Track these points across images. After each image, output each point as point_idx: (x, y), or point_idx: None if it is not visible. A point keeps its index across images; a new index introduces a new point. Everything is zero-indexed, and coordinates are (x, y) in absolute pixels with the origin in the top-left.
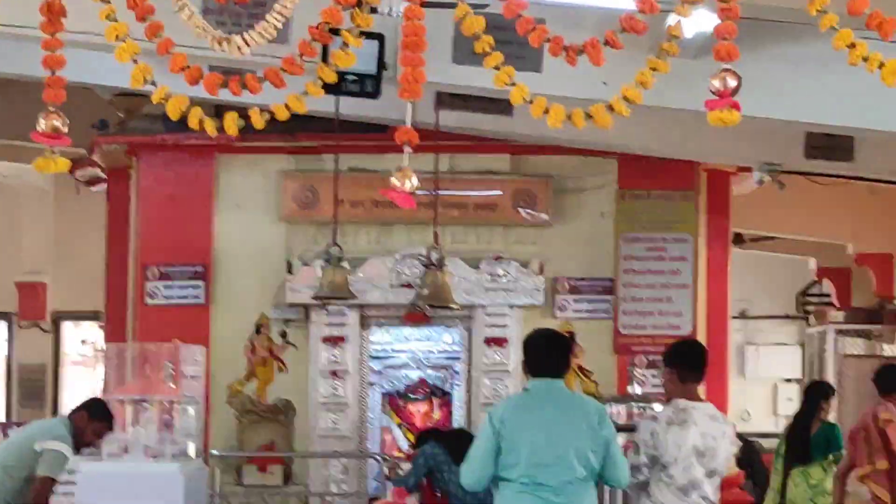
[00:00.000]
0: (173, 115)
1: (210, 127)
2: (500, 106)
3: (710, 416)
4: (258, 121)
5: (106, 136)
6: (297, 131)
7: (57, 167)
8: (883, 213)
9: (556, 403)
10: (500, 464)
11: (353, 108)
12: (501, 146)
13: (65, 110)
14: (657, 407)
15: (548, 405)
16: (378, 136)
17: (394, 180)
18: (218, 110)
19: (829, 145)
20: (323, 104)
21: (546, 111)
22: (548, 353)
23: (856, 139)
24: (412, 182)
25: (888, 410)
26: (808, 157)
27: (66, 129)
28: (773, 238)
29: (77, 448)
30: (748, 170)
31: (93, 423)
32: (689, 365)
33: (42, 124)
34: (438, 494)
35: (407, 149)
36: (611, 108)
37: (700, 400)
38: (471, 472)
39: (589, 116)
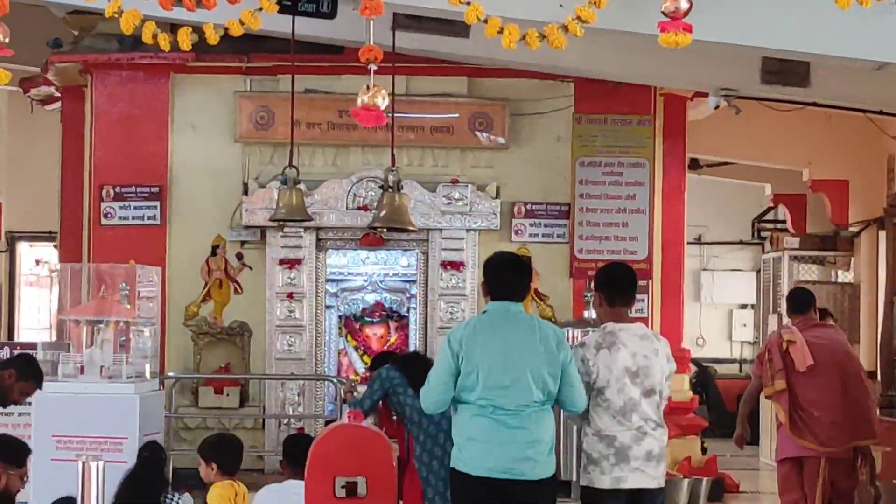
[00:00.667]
0: (126, 29)
1: (164, 42)
2: (456, 28)
3: (639, 336)
4: (212, 36)
5: (60, 55)
6: (253, 52)
7: None
8: (839, 139)
9: (515, 327)
10: (458, 386)
11: (309, 28)
12: (458, 69)
13: (18, 29)
14: (589, 335)
15: (507, 328)
16: (334, 57)
17: (363, 98)
18: (173, 29)
19: (785, 70)
20: (279, 24)
21: (500, 31)
22: (509, 277)
23: (812, 65)
24: (384, 99)
25: (791, 332)
26: (764, 83)
27: (6, 40)
28: (729, 164)
29: (2, 404)
30: (704, 95)
31: (20, 383)
32: (617, 288)
33: None
34: (394, 417)
35: (372, 66)
36: (565, 28)
37: (630, 322)
38: (429, 396)
39: (543, 37)
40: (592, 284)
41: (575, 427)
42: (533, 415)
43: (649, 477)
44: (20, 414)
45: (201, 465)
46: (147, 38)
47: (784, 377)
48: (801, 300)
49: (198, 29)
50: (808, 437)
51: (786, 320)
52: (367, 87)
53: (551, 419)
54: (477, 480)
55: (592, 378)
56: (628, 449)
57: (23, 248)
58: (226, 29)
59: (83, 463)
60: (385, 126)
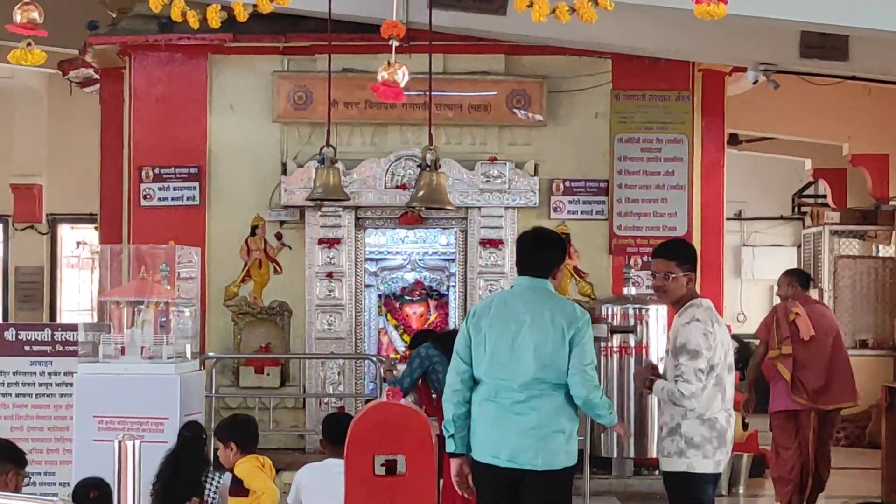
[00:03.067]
0: (155, 7)
1: (193, 19)
2: (493, 5)
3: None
4: (241, 13)
5: (98, 37)
6: (290, 32)
7: (33, 59)
8: (879, 113)
9: (531, 303)
10: (472, 360)
11: (346, 7)
12: (496, 46)
13: (56, 11)
14: (692, 311)
15: (520, 303)
16: (371, 36)
17: (382, 73)
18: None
19: (824, 45)
20: (316, 4)
21: (530, 5)
22: (529, 252)
23: (850, 38)
24: (403, 75)
25: (797, 306)
26: (803, 57)
27: (41, 21)
28: (768, 139)
29: None
30: (743, 70)
31: None
32: (696, 264)
33: (18, 16)
34: (434, 395)
35: (394, 42)
36: (595, 1)
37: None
38: (450, 371)
39: (573, 10)
40: (675, 260)
41: (615, 404)
42: (540, 400)
43: (728, 459)
44: (62, 395)
45: (220, 448)
46: (176, 16)
47: (790, 343)
48: (806, 280)
49: (227, 7)
50: (801, 394)
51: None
52: (388, 63)
53: (564, 405)
54: (484, 467)
55: (711, 353)
56: (726, 431)
57: (64, 230)
58: (255, 6)
59: (119, 442)
60: (423, 104)
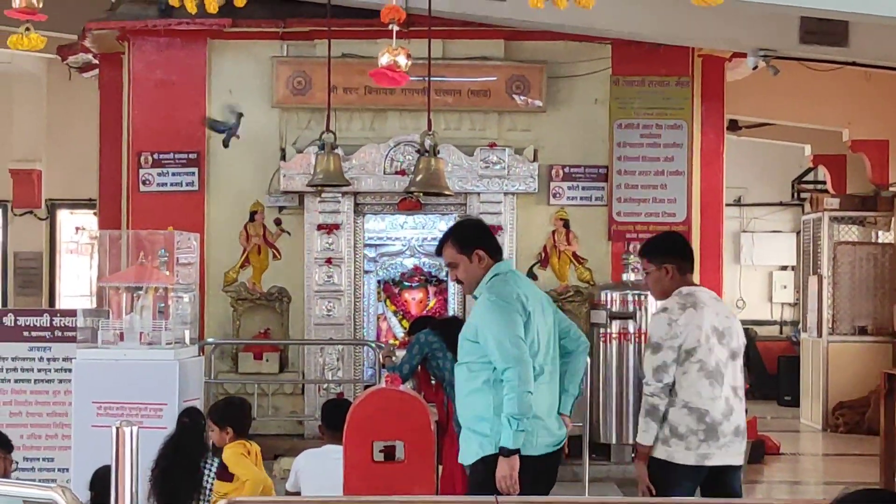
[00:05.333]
0: None
1: (190, 4)
2: None
3: (714, 298)
4: None
5: (97, 22)
6: (289, 17)
7: (31, 44)
8: (879, 99)
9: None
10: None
11: None
12: (495, 32)
13: None
14: (667, 301)
15: (531, 288)
16: (371, 21)
17: (383, 59)
18: None
19: (824, 30)
20: None
21: None
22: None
23: (850, 24)
24: (405, 59)
25: None
26: (803, 43)
27: (40, 5)
28: (768, 125)
29: None
30: (743, 55)
31: None
32: (684, 256)
33: (17, 0)
34: (433, 381)
35: (394, 27)
36: None
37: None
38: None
39: None
40: (653, 259)
41: (614, 390)
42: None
43: (735, 454)
44: (60, 381)
45: (214, 430)
46: (174, 1)
47: None
48: None
49: None
50: None
51: None
52: (390, 48)
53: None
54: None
55: (682, 338)
56: (719, 425)
57: (63, 215)
58: None
59: (117, 428)
60: (422, 90)
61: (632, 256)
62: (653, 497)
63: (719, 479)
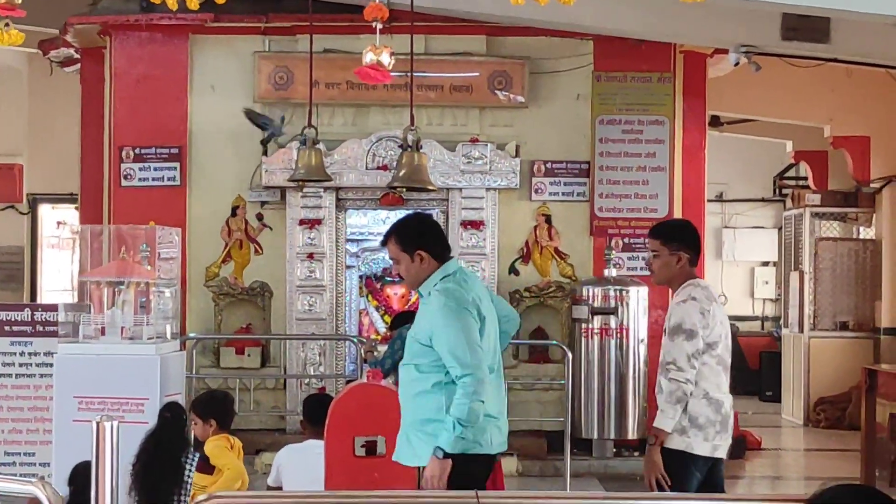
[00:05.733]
0: None
1: (171, 0)
2: None
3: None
4: None
5: (78, 16)
6: (271, 12)
7: (11, 39)
8: (860, 95)
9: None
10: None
11: None
12: (477, 27)
13: None
14: (688, 290)
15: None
16: (353, 17)
17: (368, 56)
18: None
19: (806, 27)
20: None
21: None
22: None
23: (832, 20)
24: (388, 57)
25: None
26: (785, 39)
27: (20, 1)
28: (750, 121)
29: None
30: (725, 52)
31: None
32: (698, 249)
33: None
34: None
35: (377, 24)
36: None
37: None
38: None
39: None
40: (663, 240)
41: (595, 385)
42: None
43: (728, 446)
44: (42, 376)
45: (198, 423)
46: None
47: None
48: None
49: None
50: None
51: None
52: (374, 47)
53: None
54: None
55: (709, 331)
56: (728, 418)
57: (44, 210)
58: None
59: (97, 423)
60: (404, 85)
61: (614, 252)
62: (652, 491)
63: (709, 472)
